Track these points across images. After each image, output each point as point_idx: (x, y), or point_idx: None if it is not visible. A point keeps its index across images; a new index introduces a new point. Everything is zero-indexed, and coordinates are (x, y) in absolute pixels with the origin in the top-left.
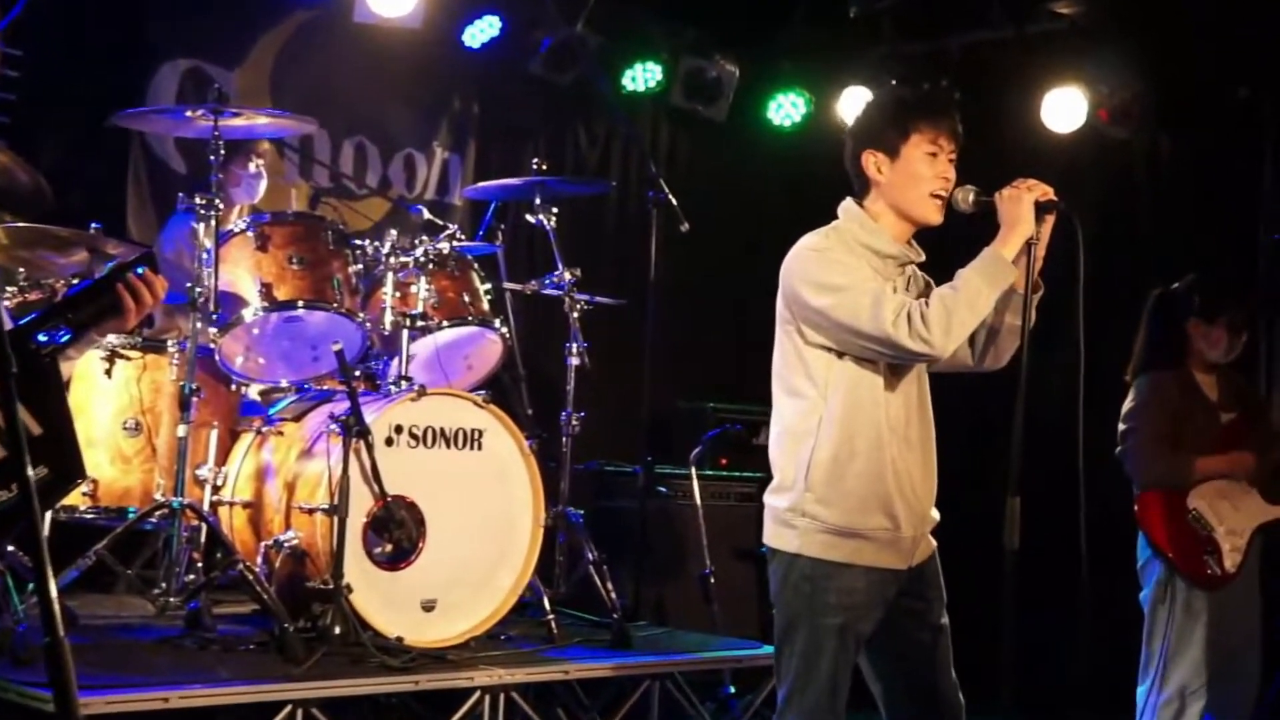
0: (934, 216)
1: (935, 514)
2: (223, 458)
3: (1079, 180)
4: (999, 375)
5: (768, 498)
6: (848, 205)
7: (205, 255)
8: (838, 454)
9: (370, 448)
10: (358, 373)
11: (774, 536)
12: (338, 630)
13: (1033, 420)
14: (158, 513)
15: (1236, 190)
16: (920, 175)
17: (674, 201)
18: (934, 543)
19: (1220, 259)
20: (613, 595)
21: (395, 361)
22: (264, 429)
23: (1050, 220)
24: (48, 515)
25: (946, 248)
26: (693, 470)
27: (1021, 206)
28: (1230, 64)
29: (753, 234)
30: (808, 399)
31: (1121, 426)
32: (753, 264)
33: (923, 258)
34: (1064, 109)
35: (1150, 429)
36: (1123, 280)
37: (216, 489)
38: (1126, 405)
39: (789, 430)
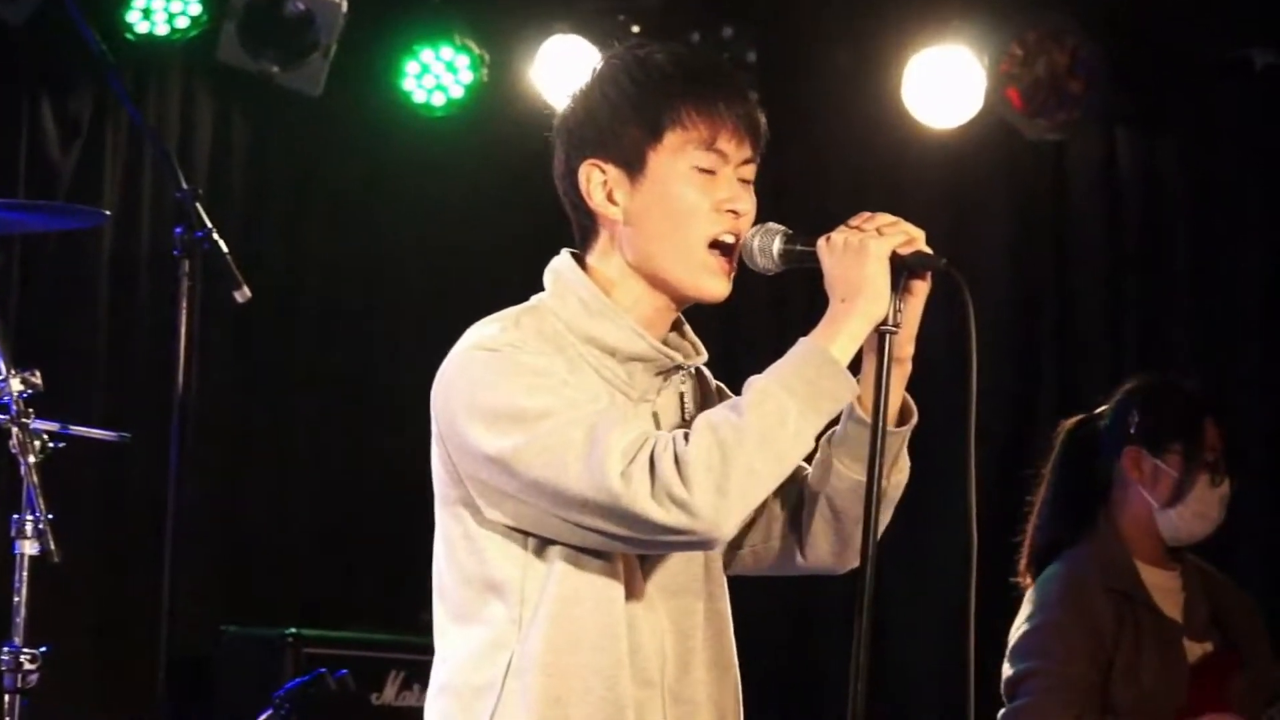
0: (714, 284)
1: None
2: None
3: (975, 214)
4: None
5: None
6: (561, 267)
7: None
8: None
9: None
10: None
11: None
12: None
13: (892, 646)
14: None
15: (1248, 230)
16: (686, 207)
17: (225, 248)
18: None
19: (1224, 352)
20: None
21: None
22: None
23: (922, 288)
24: None
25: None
26: None
27: (867, 263)
28: (1235, 11)
29: (382, 311)
30: (489, 627)
31: (1007, 669)
32: (384, 366)
33: (703, 357)
34: (944, 86)
35: (1054, 680)
36: (1058, 393)
37: None
38: (1017, 630)
39: (455, 684)
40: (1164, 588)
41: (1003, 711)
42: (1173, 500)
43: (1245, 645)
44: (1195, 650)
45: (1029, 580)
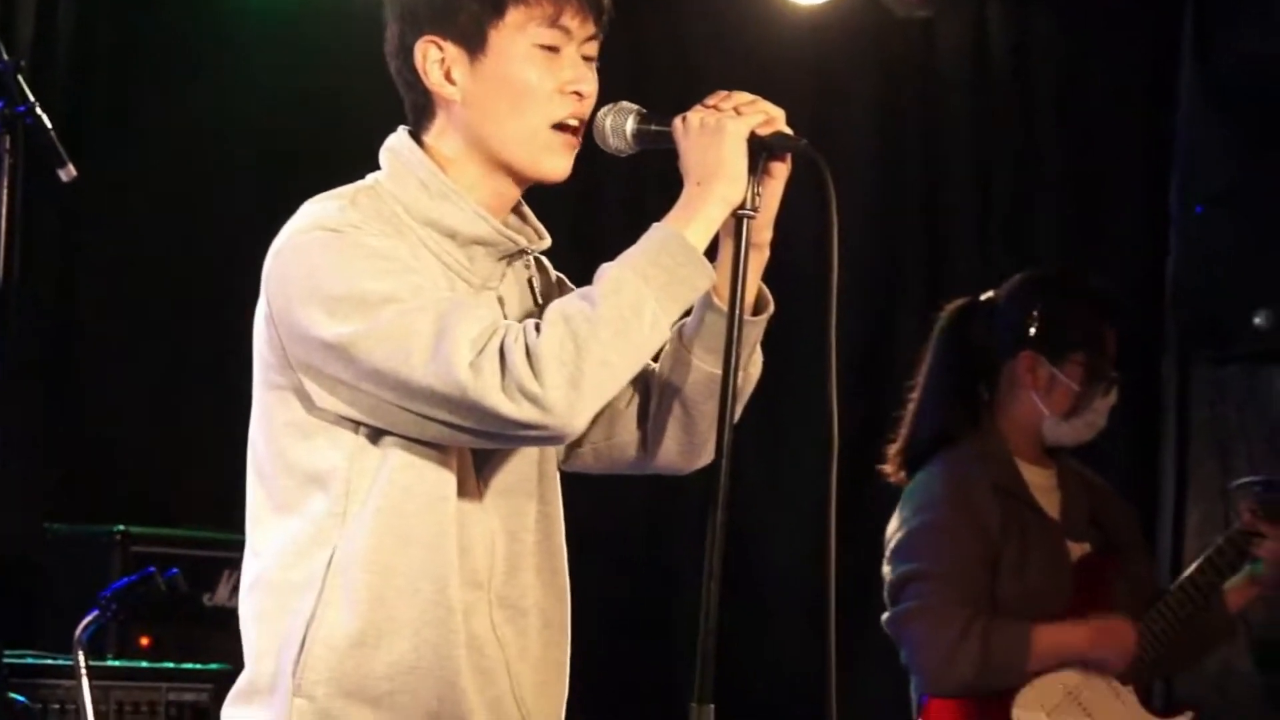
0: (555, 162)
1: None
2: None
3: (840, 94)
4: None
5: (229, 712)
6: (398, 146)
7: None
8: (362, 629)
9: None
10: None
11: None
12: None
13: (747, 552)
14: None
15: (1127, 119)
16: (528, 89)
17: (49, 124)
18: None
19: (1097, 246)
20: None
21: None
22: None
23: (781, 170)
24: None
25: None
26: (80, 658)
27: (723, 144)
28: None
29: (220, 188)
30: (310, 520)
31: (889, 571)
32: (221, 247)
33: (546, 242)
34: None
35: (944, 582)
36: (923, 280)
37: None
38: (894, 529)
39: (269, 581)
40: (1043, 487)
41: (888, 614)
42: (1069, 414)
43: (1124, 548)
44: (1075, 550)
45: (900, 475)
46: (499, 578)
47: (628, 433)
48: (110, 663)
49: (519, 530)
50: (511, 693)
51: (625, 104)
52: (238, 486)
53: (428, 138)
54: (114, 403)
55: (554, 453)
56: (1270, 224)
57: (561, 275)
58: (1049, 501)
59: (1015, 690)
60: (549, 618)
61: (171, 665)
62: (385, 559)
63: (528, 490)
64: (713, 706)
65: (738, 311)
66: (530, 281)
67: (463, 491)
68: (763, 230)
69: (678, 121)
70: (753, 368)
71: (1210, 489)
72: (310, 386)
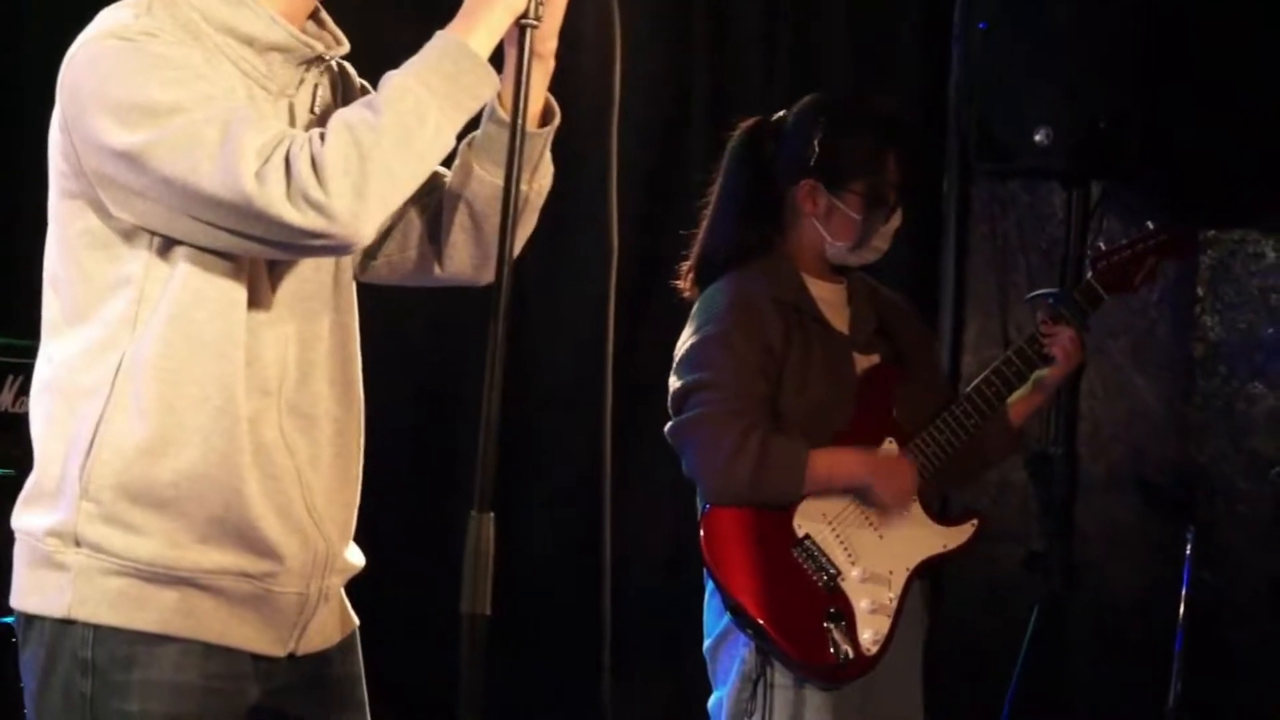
0: None
1: (355, 556)
2: None
3: None
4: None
5: (18, 517)
6: None
7: None
8: (150, 436)
9: None
10: None
11: (29, 588)
12: None
13: (527, 372)
14: None
15: None
16: None
17: None
18: (353, 615)
19: (882, 62)
20: None
21: None
22: None
23: None
24: None
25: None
26: None
27: None
28: None
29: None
30: (102, 326)
31: (674, 382)
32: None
33: (344, 48)
34: None
35: (725, 392)
36: (710, 105)
37: None
38: (682, 342)
39: (59, 385)
40: (830, 301)
41: (670, 424)
42: (853, 246)
43: (911, 357)
44: (863, 362)
45: (693, 290)
46: (290, 385)
47: (421, 244)
48: None
49: (312, 339)
50: (302, 499)
51: None
52: (19, 291)
53: None
54: None
55: (349, 263)
56: (1051, 41)
57: (366, 84)
58: (837, 316)
59: (796, 502)
60: (341, 426)
61: None
62: (174, 365)
63: (323, 299)
64: (492, 515)
65: (519, 122)
66: (324, 88)
67: (255, 300)
68: (547, 40)
69: None
70: (542, 179)
71: (989, 302)
72: (104, 196)
